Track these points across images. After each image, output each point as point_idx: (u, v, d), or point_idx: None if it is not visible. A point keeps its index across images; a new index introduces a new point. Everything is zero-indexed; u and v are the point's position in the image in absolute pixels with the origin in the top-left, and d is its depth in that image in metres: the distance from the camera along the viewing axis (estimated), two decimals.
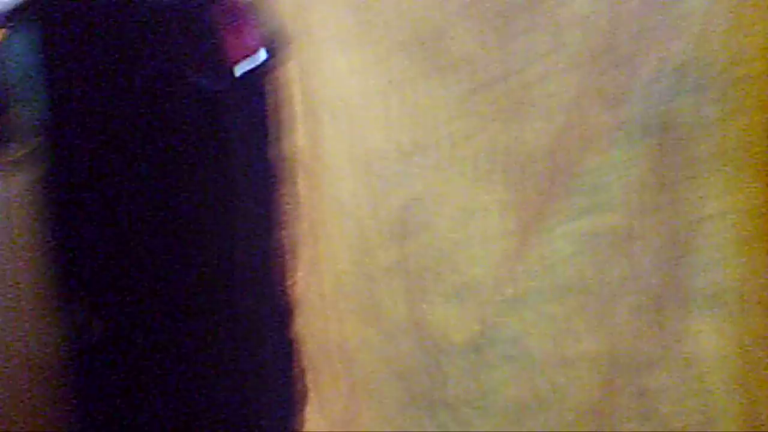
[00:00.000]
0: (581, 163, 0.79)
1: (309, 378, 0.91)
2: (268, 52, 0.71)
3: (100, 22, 0.64)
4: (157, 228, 0.99)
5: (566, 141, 0.79)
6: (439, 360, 0.86)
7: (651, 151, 0.77)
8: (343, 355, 0.88)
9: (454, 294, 0.84)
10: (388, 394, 0.88)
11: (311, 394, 0.92)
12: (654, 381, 0.79)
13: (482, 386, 0.85)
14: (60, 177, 0.81)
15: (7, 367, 0.91)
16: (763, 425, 0.77)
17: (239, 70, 0.67)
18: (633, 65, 0.76)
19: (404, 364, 0.87)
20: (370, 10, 0.80)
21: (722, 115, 0.75)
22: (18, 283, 0.89)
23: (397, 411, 0.88)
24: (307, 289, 0.89)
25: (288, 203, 0.87)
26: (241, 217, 0.98)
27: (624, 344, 0.81)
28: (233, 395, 1.03)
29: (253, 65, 0.68)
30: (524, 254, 0.82)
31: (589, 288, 0.81)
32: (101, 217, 0.92)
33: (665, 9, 0.75)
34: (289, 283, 0.89)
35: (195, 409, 1.05)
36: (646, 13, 0.76)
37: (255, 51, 0.68)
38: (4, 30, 0.71)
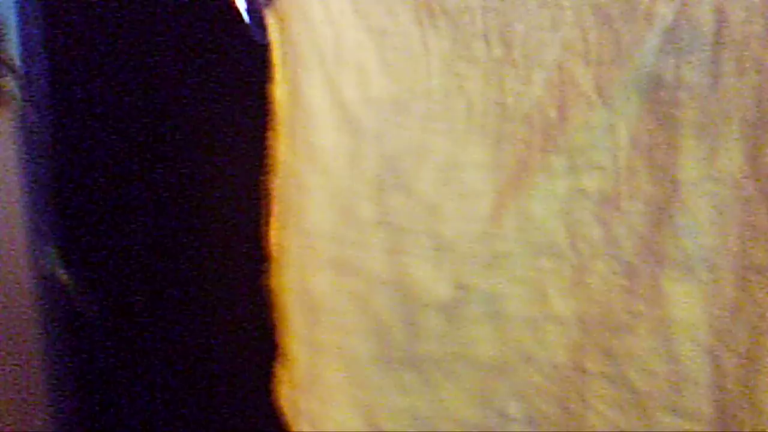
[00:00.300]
0: (560, 125, 0.78)
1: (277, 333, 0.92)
2: None
3: None
4: (134, 169, 1.00)
5: (546, 102, 0.78)
6: (414, 317, 0.86)
7: (632, 115, 0.76)
8: (316, 309, 0.89)
9: (432, 252, 0.84)
10: (359, 351, 0.88)
11: (280, 353, 0.93)
12: (623, 345, 0.80)
13: (455, 345, 0.86)
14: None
15: None
16: (730, 393, 0.77)
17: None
18: (618, 26, 0.75)
19: (379, 320, 0.87)
20: None
21: (707, 80, 0.74)
22: None
23: (368, 369, 0.88)
24: (284, 241, 0.89)
25: (268, 153, 0.87)
26: (229, 163, 0.98)
27: (595, 308, 0.81)
28: (207, 349, 1.04)
29: None
30: (501, 215, 0.82)
31: (563, 251, 0.81)
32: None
33: None
34: (265, 234, 0.89)
35: (168, 359, 1.06)
36: None
37: None
38: None
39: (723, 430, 0.78)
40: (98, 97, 0.99)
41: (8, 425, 0.95)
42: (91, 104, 0.99)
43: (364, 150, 0.83)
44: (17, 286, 0.93)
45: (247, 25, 0.86)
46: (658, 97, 0.75)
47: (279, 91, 0.86)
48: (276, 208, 0.88)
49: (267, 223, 0.90)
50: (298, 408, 0.92)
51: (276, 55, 0.86)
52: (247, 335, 1.00)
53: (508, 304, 0.83)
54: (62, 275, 0.97)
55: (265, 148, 0.88)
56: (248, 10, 0.86)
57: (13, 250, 0.92)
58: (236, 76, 0.95)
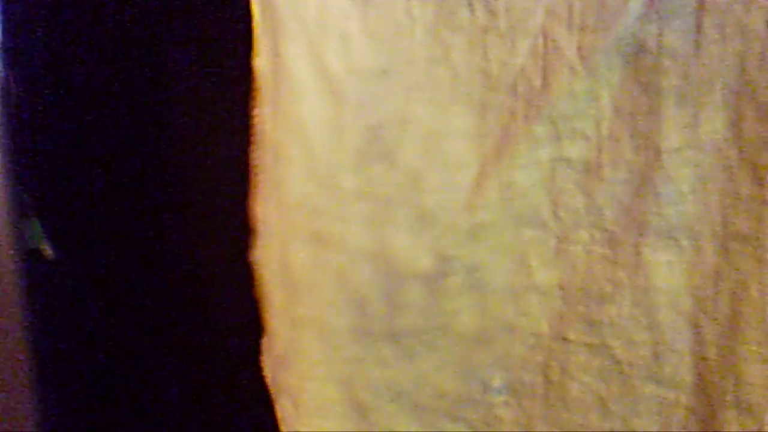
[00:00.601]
0: (544, 93, 0.78)
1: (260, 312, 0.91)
2: None
3: None
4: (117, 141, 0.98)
5: (530, 70, 0.78)
6: (395, 289, 0.85)
7: (615, 82, 0.76)
8: (295, 283, 0.88)
9: (414, 223, 0.83)
10: (339, 325, 0.87)
11: (264, 329, 0.92)
12: (605, 314, 0.80)
13: (437, 317, 0.85)
14: None
15: None
16: (711, 362, 0.77)
17: None
18: None
19: (359, 294, 0.86)
20: None
21: (689, 46, 0.74)
22: None
23: (347, 342, 0.88)
24: (266, 214, 0.88)
25: (252, 124, 0.87)
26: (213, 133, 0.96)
27: (577, 278, 0.81)
28: (193, 322, 1.02)
29: None
30: (484, 185, 0.81)
31: (546, 221, 0.81)
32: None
33: None
34: (248, 205, 0.88)
35: (153, 332, 1.05)
36: None
37: None
38: None
39: (703, 399, 0.78)
40: (77, 65, 0.97)
41: None
42: (71, 71, 0.97)
43: (347, 120, 0.83)
44: (1, 261, 0.91)
45: None
46: (640, 64, 0.75)
47: (261, 61, 0.85)
48: (259, 181, 0.87)
49: (252, 197, 0.89)
50: (279, 382, 0.91)
51: (258, 25, 0.85)
52: (236, 310, 0.99)
53: (490, 274, 0.83)
54: (46, 249, 0.95)
55: (250, 120, 0.88)
56: None
57: None
58: (219, 45, 0.94)
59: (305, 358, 0.89)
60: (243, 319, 0.95)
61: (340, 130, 0.83)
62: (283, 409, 0.91)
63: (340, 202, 0.85)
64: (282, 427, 0.92)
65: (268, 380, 0.93)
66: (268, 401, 0.93)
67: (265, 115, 0.87)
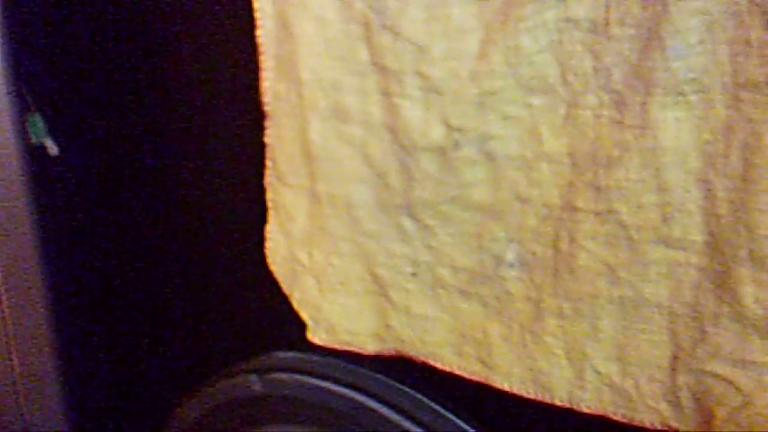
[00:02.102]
0: None
1: (273, 193, 0.93)
2: None
3: None
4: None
5: None
6: (409, 161, 0.86)
7: None
8: (316, 159, 0.90)
9: (422, 93, 0.84)
10: (359, 199, 0.89)
11: (272, 212, 0.95)
12: (612, 179, 0.77)
13: (449, 189, 0.85)
14: None
15: None
16: (722, 218, 0.73)
17: None
18: None
19: (378, 167, 0.88)
20: None
21: None
22: None
23: (368, 216, 0.89)
24: (279, 94, 0.91)
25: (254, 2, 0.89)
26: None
27: (586, 144, 0.78)
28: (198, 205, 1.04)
29: None
30: (489, 52, 0.81)
31: (554, 87, 0.79)
32: None
33: None
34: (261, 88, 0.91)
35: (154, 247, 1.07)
36: None
37: None
38: None
39: (715, 257, 0.74)
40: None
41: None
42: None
43: None
44: (4, 158, 0.95)
45: None
46: None
47: None
48: (268, 62, 0.90)
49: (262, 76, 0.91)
50: (298, 263, 0.94)
51: None
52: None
53: (500, 144, 0.82)
54: (50, 144, 1.00)
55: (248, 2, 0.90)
56: None
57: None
58: None
59: (327, 234, 0.91)
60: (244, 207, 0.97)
61: (341, 3, 0.84)
62: (305, 290, 0.94)
63: (356, 74, 0.86)
64: (301, 311, 0.95)
65: (280, 267, 0.95)
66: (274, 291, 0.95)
67: None
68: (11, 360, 1.00)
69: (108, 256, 1.11)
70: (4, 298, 0.97)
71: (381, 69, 0.84)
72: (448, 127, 0.84)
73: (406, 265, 0.89)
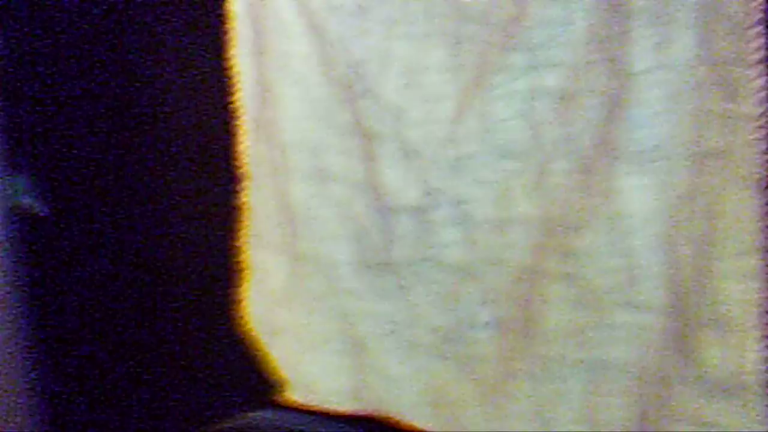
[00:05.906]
0: (518, 22, 0.80)
1: (250, 253, 0.95)
2: None
3: None
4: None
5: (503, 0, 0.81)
6: (390, 221, 0.88)
7: (588, 6, 0.77)
8: (296, 219, 0.93)
9: (400, 156, 0.87)
10: (340, 258, 0.91)
11: (247, 272, 0.96)
12: (581, 242, 0.79)
13: (426, 249, 0.87)
14: None
15: None
16: (685, 282, 0.75)
17: None
18: None
19: (359, 225, 0.90)
20: None
21: None
22: None
23: (348, 275, 0.91)
24: (259, 156, 0.94)
25: (233, 66, 0.92)
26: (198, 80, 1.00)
27: (555, 208, 0.81)
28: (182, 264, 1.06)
29: None
30: (464, 117, 0.84)
31: (525, 152, 0.82)
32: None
33: None
34: (238, 150, 0.94)
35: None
36: None
37: None
38: None
39: (680, 320, 0.75)
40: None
41: None
42: (51, 23, 1.05)
43: (331, 56, 0.87)
44: None
45: None
46: None
47: (236, 5, 0.92)
48: (247, 125, 0.93)
49: (241, 139, 0.94)
50: (277, 322, 0.96)
51: None
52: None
53: (474, 207, 0.85)
54: (30, 204, 1.02)
55: (227, 67, 0.93)
56: None
57: None
58: None
59: (306, 293, 0.93)
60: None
61: (326, 64, 0.88)
62: (283, 347, 0.95)
63: (340, 135, 0.89)
64: (279, 369, 0.96)
65: (257, 323, 0.97)
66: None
67: (249, 58, 0.92)
68: None
69: (88, 316, 1.12)
70: None
71: (362, 131, 0.88)
72: (426, 188, 0.86)
73: (385, 322, 0.90)
